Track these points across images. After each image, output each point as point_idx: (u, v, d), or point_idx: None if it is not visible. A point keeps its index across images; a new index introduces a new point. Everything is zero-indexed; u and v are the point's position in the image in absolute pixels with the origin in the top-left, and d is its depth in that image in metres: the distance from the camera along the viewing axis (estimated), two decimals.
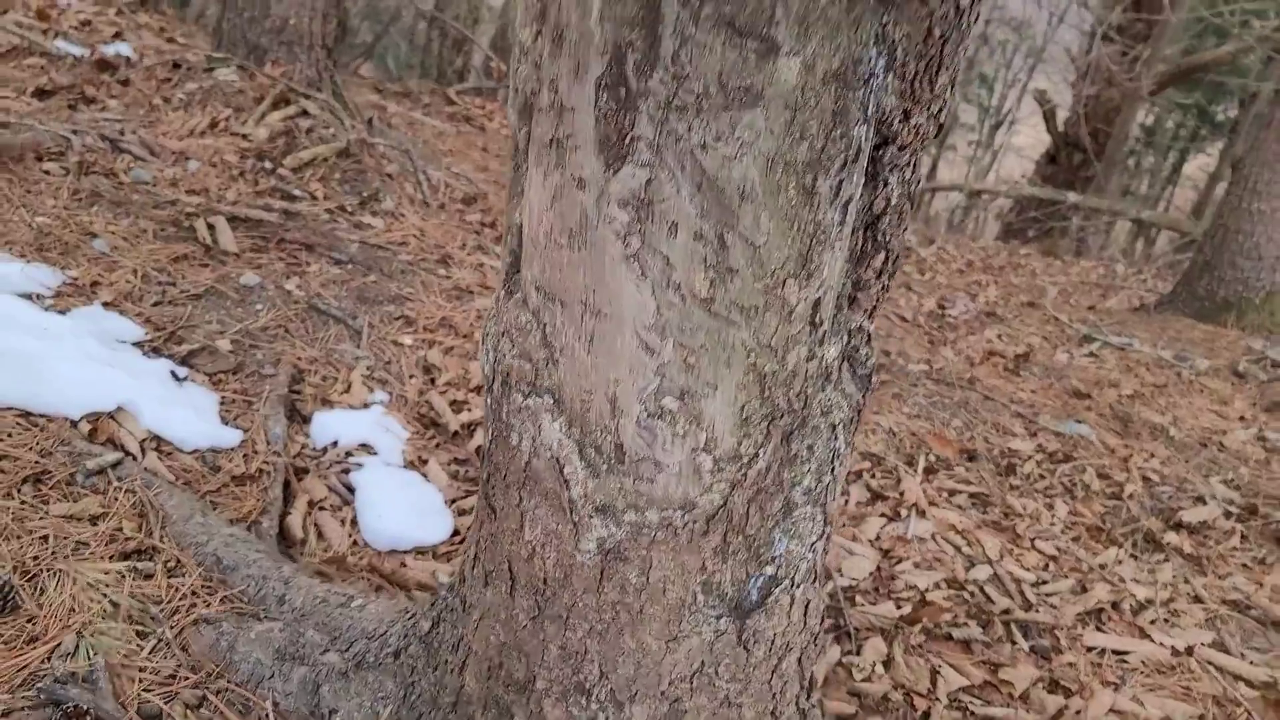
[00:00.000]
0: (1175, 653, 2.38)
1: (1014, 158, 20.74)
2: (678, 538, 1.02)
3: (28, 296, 2.22)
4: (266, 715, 1.32)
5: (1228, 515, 3.11)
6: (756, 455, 1.01)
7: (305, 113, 3.49)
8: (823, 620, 1.27)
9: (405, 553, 2.06)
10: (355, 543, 2.05)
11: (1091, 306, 5.66)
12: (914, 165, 1.00)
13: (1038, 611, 2.44)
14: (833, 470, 1.09)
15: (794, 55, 0.82)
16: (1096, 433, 3.65)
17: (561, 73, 0.88)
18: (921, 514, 2.70)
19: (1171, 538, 2.92)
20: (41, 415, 1.93)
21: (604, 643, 1.07)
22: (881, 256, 1.04)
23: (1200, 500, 3.18)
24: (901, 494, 2.75)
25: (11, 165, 2.73)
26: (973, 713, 2.09)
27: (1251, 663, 2.42)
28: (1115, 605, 2.54)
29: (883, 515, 2.67)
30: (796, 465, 1.05)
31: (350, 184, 3.28)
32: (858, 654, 2.18)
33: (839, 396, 1.06)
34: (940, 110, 0.95)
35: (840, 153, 0.89)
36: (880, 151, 0.96)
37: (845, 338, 1.05)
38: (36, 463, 1.78)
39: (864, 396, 1.11)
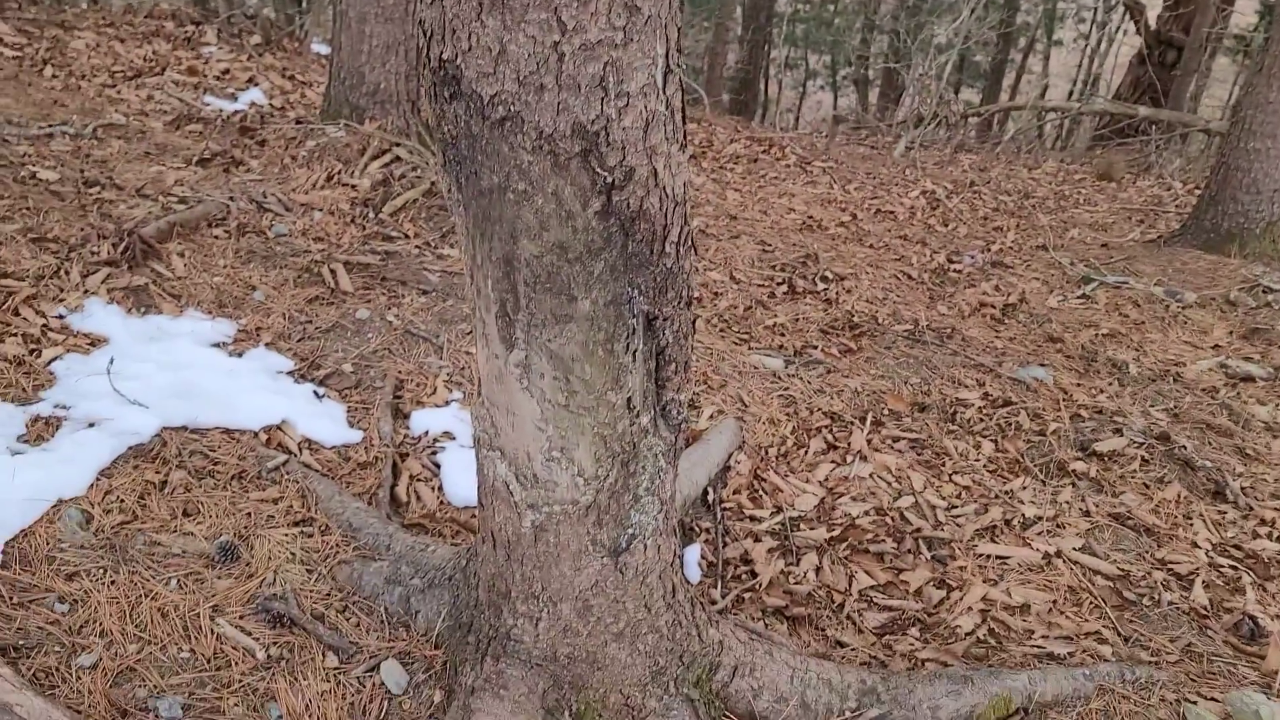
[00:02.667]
0: (1046, 556, 3.20)
1: (1128, 50, 20.21)
2: (572, 518, 1.96)
3: (217, 345, 3.30)
4: (380, 615, 2.36)
5: (1137, 444, 3.85)
6: (608, 474, 1.94)
7: (398, 158, 4.49)
8: (676, 552, 2.20)
9: (473, 507, 3.06)
10: (442, 503, 3.05)
11: (1105, 244, 6.24)
12: (680, 321, 1.89)
13: (943, 529, 3.29)
14: (661, 476, 2.01)
15: (585, 299, 1.73)
16: (1054, 375, 4.39)
17: (480, 308, 1.81)
18: (864, 459, 3.56)
19: (1080, 466, 3.69)
20: (236, 430, 2.99)
21: (542, 571, 2.04)
22: (673, 366, 1.94)
23: (1118, 432, 3.92)
24: (850, 444, 3.61)
25: (192, 235, 3.82)
26: (874, 602, 2.98)
27: (1112, 561, 3.21)
28: (1008, 522, 3.36)
29: (832, 462, 3.54)
30: (636, 476, 1.98)
31: (434, 220, 4.28)
32: (796, 565, 3.08)
33: (656, 439, 1.98)
34: (681, 302, 1.84)
35: (623, 331, 1.79)
36: (654, 320, 1.85)
37: (655, 410, 1.96)
38: (237, 464, 2.84)
39: (677, 437, 2.02)
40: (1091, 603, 2.94)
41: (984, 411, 3.95)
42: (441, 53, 1.55)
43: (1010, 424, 3.89)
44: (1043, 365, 4.46)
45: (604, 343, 1.78)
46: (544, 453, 1.90)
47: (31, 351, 3.03)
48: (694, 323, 1.96)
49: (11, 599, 2.18)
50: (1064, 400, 4.11)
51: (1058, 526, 3.36)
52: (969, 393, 4.06)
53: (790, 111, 20.33)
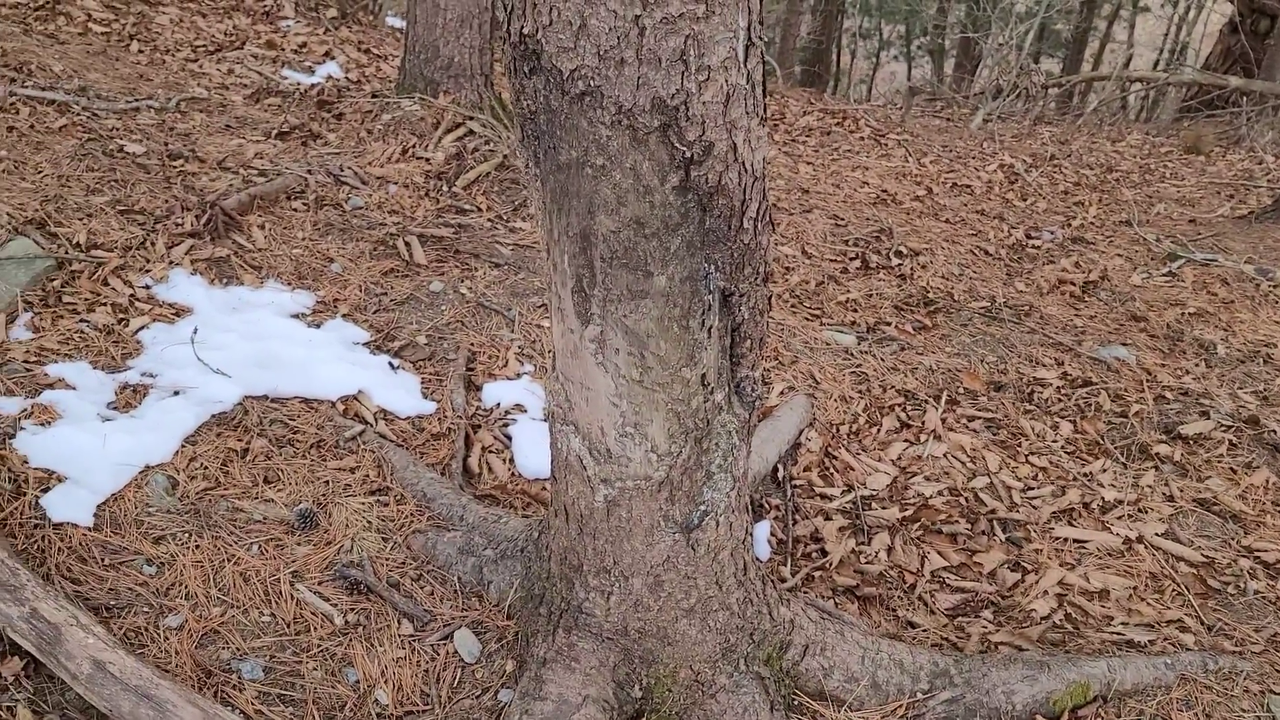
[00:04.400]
0: (1127, 541, 3.13)
1: (1219, 17, 19.42)
2: (644, 493, 1.97)
3: (296, 316, 3.37)
4: (454, 584, 2.40)
5: (1225, 428, 3.73)
6: (681, 451, 1.93)
7: (471, 132, 4.52)
8: (748, 530, 2.19)
9: (546, 480, 3.09)
10: (513, 474, 3.08)
11: (1193, 220, 6.03)
12: (756, 298, 1.87)
13: (1018, 511, 3.24)
14: (734, 453, 2.00)
15: (661, 275, 1.72)
16: (1137, 355, 4.27)
17: (556, 283, 1.81)
18: (938, 438, 3.51)
19: (1163, 449, 3.59)
20: (314, 399, 3.05)
21: (614, 546, 2.05)
22: (748, 343, 1.93)
23: (1204, 414, 3.81)
24: (924, 423, 3.56)
25: (272, 208, 3.89)
26: (947, 584, 2.94)
27: (1196, 548, 3.13)
28: (1087, 505, 3.29)
29: (905, 440, 3.49)
30: (709, 453, 1.97)
31: (506, 194, 4.30)
32: (868, 544, 3.05)
33: (730, 416, 1.97)
34: (758, 278, 1.82)
35: (698, 308, 1.78)
36: (730, 296, 1.84)
37: (729, 386, 1.95)
38: (316, 433, 2.90)
39: (751, 414, 2.01)
40: (1174, 590, 2.87)
41: (1063, 391, 3.86)
42: (522, 27, 1.54)
43: (1090, 405, 3.80)
44: (1125, 344, 4.34)
45: (680, 319, 1.77)
46: (618, 428, 1.91)
47: (120, 321, 3.12)
48: (770, 299, 1.94)
49: (103, 560, 2.26)
50: (1147, 381, 4.00)
51: (1139, 511, 3.27)
52: (1047, 372, 3.97)
53: (863, 82, 19.99)
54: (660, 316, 1.76)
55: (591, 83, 1.52)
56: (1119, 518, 3.24)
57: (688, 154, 1.58)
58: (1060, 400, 3.81)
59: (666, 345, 1.79)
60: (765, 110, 1.69)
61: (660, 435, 1.91)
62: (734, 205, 1.68)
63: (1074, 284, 4.90)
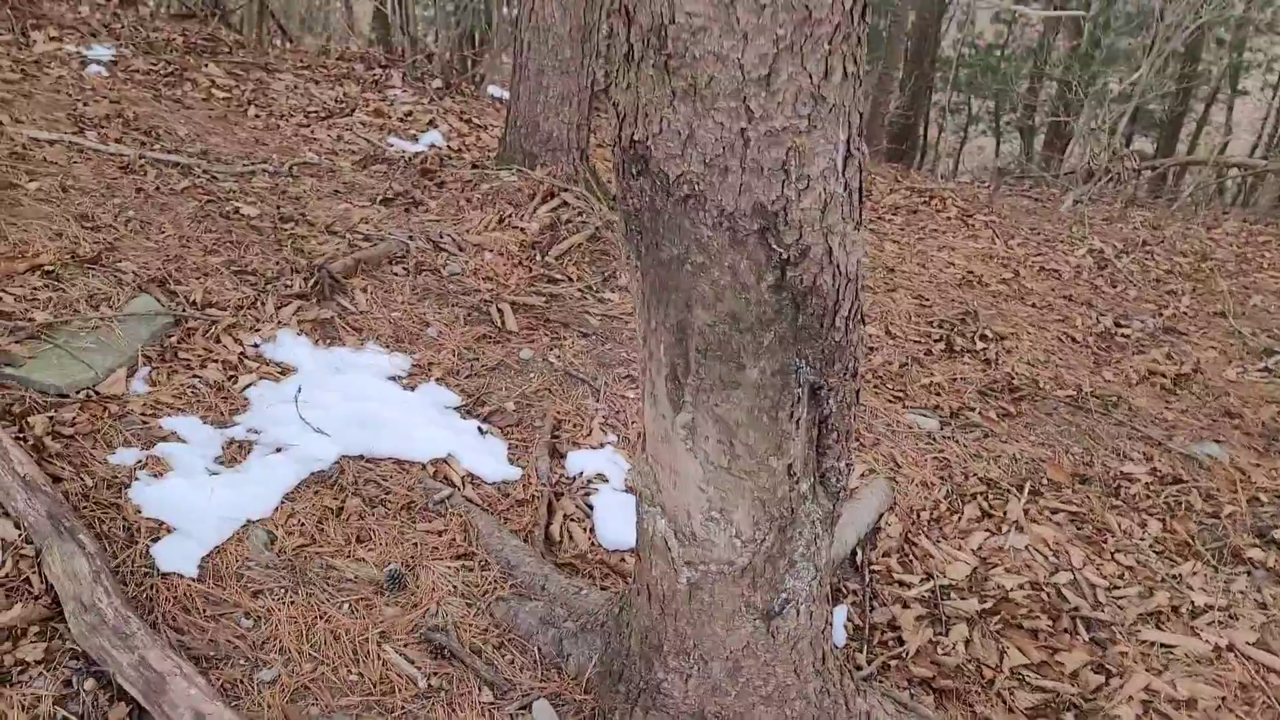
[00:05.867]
0: (1217, 649, 3.05)
1: None
2: (727, 578, 2.01)
3: (393, 378, 3.50)
4: (534, 654, 2.45)
5: None
6: (765, 538, 1.97)
7: (565, 204, 4.69)
8: (828, 619, 2.21)
9: (625, 551, 3.13)
10: (593, 544, 3.13)
11: None
12: (844, 392, 1.91)
13: (1103, 611, 3.17)
14: (817, 542, 2.03)
15: (753, 367, 1.78)
16: (1231, 453, 4.17)
17: (651, 370, 1.88)
18: (1020, 529, 3.47)
19: (1256, 553, 3.49)
20: (407, 461, 3.16)
21: (695, 628, 2.08)
22: (834, 435, 1.97)
23: None
24: (1006, 513, 3.53)
25: (374, 272, 4.06)
26: (1027, 682, 2.90)
27: None
28: (1175, 609, 3.21)
29: (987, 530, 3.46)
30: (793, 542, 2.01)
31: (596, 264, 4.44)
32: (945, 635, 3.02)
33: (815, 506, 2.00)
34: (847, 374, 1.87)
35: (788, 400, 1.83)
36: (819, 390, 1.89)
37: (815, 477, 1.99)
38: (406, 494, 3.00)
39: (835, 505, 2.04)
40: (1264, 702, 2.78)
41: (1151, 488, 3.79)
42: (633, 134, 1.64)
43: (1180, 503, 3.72)
44: (1218, 441, 4.25)
45: (769, 410, 1.82)
46: (704, 512, 1.96)
47: (229, 378, 3.28)
48: (858, 393, 1.99)
49: (205, 611, 2.37)
50: (1241, 481, 3.90)
51: (1230, 617, 3.19)
52: (1135, 467, 3.90)
53: (950, 156, 19.92)
54: (751, 407, 1.82)
55: (696, 187, 1.60)
56: (1209, 624, 3.15)
57: (785, 255, 1.65)
58: (1149, 497, 3.74)
59: (755, 435, 1.85)
60: (863, 215, 1.75)
61: (745, 522, 1.95)
62: (827, 305, 1.74)
63: (1165, 376, 4.81)
